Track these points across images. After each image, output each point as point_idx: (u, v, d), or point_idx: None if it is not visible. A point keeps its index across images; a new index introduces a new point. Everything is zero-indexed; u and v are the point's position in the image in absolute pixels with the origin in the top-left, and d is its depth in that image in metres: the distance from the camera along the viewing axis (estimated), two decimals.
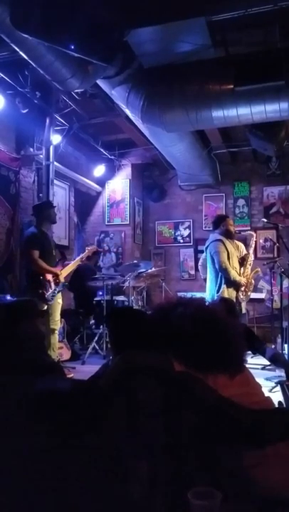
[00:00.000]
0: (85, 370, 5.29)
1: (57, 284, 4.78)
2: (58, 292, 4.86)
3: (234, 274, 4.89)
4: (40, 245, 4.77)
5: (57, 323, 4.94)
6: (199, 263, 6.52)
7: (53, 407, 1.11)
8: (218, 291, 4.85)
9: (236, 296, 4.97)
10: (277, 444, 1.18)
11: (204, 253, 6.43)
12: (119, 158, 8.18)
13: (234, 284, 4.92)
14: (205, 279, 6.29)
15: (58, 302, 4.94)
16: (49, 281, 4.73)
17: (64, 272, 4.93)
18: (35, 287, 4.71)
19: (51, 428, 1.06)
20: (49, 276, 4.74)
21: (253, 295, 5.69)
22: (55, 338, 4.96)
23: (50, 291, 4.72)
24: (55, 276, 4.76)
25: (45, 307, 4.73)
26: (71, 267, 5.12)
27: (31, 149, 6.25)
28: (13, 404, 1.13)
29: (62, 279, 4.83)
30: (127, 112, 5.51)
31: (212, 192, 8.48)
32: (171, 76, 4.96)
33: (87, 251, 5.55)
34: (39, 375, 1.26)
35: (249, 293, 5.15)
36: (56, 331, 4.95)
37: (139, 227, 8.78)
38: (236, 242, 5.31)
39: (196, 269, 7.73)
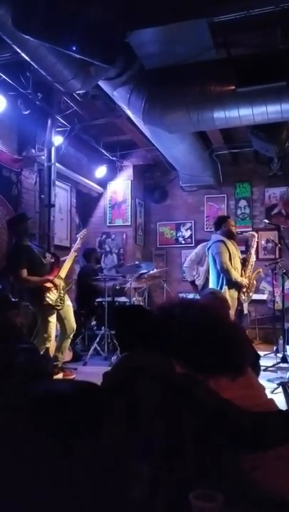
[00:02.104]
0: (87, 371, 5.29)
1: (57, 287, 4.66)
2: (65, 294, 4.79)
3: (235, 275, 4.88)
4: (26, 260, 4.56)
5: (72, 325, 4.89)
6: (186, 264, 6.52)
7: (54, 408, 1.11)
8: None
9: (238, 297, 4.96)
10: (279, 447, 1.18)
11: (192, 254, 6.44)
12: (120, 159, 8.19)
13: (236, 285, 4.91)
14: (192, 282, 6.30)
15: (68, 305, 4.89)
16: (49, 289, 4.60)
17: (62, 273, 4.81)
18: (39, 301, 4.58)
19: (52, 429, 1.06)
20: (47, 285, 4.60)
21: (255, 296, 5.68)
22: (67, 342, 4.94)
23: (55, 297, 4.61)
24: (52, 282, 4.62)
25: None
26: (68, 263, 4.96)
27: (33, 150, 6.25)
28: (12, 405, 1.13)
29: (58, 282, 4.69)
30: (129, 113, 5.51)
31: (214, 193, 8.48)
32: (173, 77, 4.96)
33: (79, 239, 5.34)
34: (11, 368, 1.26)
35: (251, 294, 5.14)
36: (71, 336, 4.93)
37: (141, 228, 8.78)
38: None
39: None
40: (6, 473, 1.07)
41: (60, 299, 4.67)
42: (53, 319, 4.64)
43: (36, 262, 4.65)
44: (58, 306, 4.65)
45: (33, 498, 1.03)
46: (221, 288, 4.87)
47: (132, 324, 1.60)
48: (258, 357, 3.50)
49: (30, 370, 1.49)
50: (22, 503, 1.04)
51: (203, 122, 5.18)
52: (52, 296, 4.59)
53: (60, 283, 4.72)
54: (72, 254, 5.12)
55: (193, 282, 6.28)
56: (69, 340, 4.96)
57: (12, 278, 5.01)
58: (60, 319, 4.81)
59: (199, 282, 6.12)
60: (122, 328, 1.69)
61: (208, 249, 5.15)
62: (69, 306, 4.92)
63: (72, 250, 5.22)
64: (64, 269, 4.89)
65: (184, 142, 6.43)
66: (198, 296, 5.38)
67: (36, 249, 4.79)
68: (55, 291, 4.63)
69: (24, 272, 4.51)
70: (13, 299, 4.34)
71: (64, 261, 5.00)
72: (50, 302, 4.57)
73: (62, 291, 4.71)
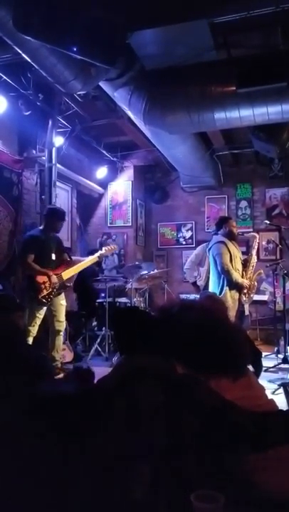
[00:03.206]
0: None
1: (52, 285, 4.69)
2: (58, 294, 4.81)
3: (236, 276, 4.88)
4: (36, 249, 4.73)
5: (61, 324, 4.92)
6: (186, 266, 6.52)
7: (55, 409, 1.11)
8: (220, 293, 4.84)
9: (239, 298, 4.96)
10: (280, 447, 1.18)
11: (192, 256, 6.44)
12: (121, 160, 8.19)
13: (237, 286, 4.90)
14: (193, 283, 6.30)
15: (61, 304, 4.91)
16: (43, 282, 4.65)
17: (66, 274, 4.86)
18: (29, 290, 4.70)
19: (52, 430, 1.06)
20: (42, 278, 4.66)
21: (256, 297, 5.68)
22: (60, 339, 4.94)
23: (45, 292, 4.65)
24: (48, 277, 4.67)
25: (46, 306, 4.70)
26: (82, 265, 5.05)
27: (34, 151, 6.26)
28: (13, 406, 1.13)
29: (54, 279, 4.70)
30: (129, 114, 5.51)
31: (214, 194, 8.48)
32: (174, 78, 4.97)
33: (105, 250, 5.41)
34: (15, 370, 1.26)
35: (252, 295, 5.14)
36: (61, 333, 4.93)
37: (142, 229, 8.78)
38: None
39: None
40: (7, 473, 1.06)
41: (49, 297, 4.69)
42: (39, 315, 4.68)
43: (44, 253, 4.77)
44: (44, 302, 4.67)
45: (33, 499, 1.03)
46: (222, 289, 4.87)
47: (130, 326, 1.60)
48: (260, 355, 3.50)
49: (34, 371, 1.49)
50: (23, 503, 1.04)
51: (204, 123, 5.18)
52: (43, 291, 4.65)
53: (56, 282, 4.73)
54: (92, 260, 5.20)
55: (194, 283, 6.28)
56: (61, 338, 4.95)
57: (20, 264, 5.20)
58: (51, 316, 4.84)
59: (201, 283, 6.12)
60: (120, 330, 1.69)
61: (209, 250, 5.14)
62: (62, 306, 4.93)
63: (93, 256, 5.27)
64: (72, 270, 4.95)
65: (185, 143, 6.43)
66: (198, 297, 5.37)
67: (54, 245, 4.91)
68: (48, 287, 4.66)
69: (30, 257, 4.69)
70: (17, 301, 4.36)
71: (75, 262, 5.05)
72: (39, 296, 4.62)
73: (54, 291, 4.72)
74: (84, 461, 1.04)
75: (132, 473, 1.05)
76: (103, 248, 5.52)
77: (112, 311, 6.02)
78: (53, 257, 4.87)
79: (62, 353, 5.39)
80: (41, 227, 5.03)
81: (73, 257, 5.37)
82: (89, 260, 5.21)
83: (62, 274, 4.83)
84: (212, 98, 4.90)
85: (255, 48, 4.83)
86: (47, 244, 4.86)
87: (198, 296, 5.87)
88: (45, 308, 4.74)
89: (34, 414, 1.09)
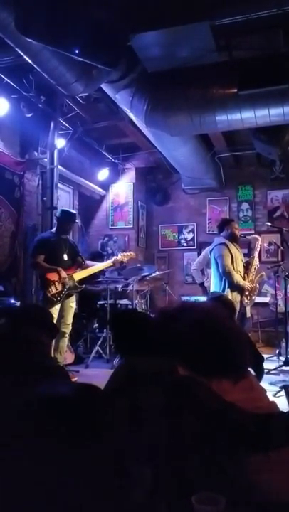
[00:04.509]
0: (89, 373, 5.28)
1: (63, 283, 4.71)
2: (68, 295, 4.80)
3: (238, 278, 4.87)
4: (46, 250, 4.78)
5: (68, 326, 4.93)
6: (194, 267, 6.51)
7: (56, 411, 1.10)
8: None
9: (240, 300, 4.95)
10: (281, 450, 1.18)
11: (199, 257, 6.44)
12: (123, 162, 8.20)
13: (238, 288, 4.90)
14: (200, 284, 6.29)
15: (71, 306, 4.93)
16: (54, 281, 4.68)
17: (78, 275, 4.87)
18: (41, 288, 4.78)
19: (52, 433, 1.06)
20: (53, 277, 4.68)
21: (258, 299, 5.67)
22: (64, 341, 4.94)
23: (55, 290, 4.67)
24: (59, 275, 4.69)
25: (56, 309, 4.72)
26: (95, 269, 5.09)
27: (36, 153, 6.27)
28: (15, 408, 1.13)
29: (64, 275, 4.71)
30: (131, 116, 5.52)
31: (216, 196, 8.48)
32: (175, 80, 4.97)
33: (121, 256, 5.38)
34: (41, 378, 1.26)
35: (253, 297, 5.13)
36: (66, 335, 4.94)
37: (143, 231, 8.78)
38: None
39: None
40: (7, 474, 1.06)
41: (59, 295, 4.69)
42: (53, 313, 4.67)
43: (55, 255, 4.81)
44: (53, 300, 4.66)
45: (33, 501, 1.03)
46: (223, 291, 4.86)
47: (128, 328, 1.60)
48: (262, 359, 3.49)
49: (41, 371, 1.49)
50: (23, 505, 1.04)
51: (206, 125, 5.19)
52: (52, 289, 4.66)
53: (65, 277, 4.74)
54: (106, 264, 5.25)
55: (202, 284, 6.28)
56: (65, 340, 4.96)
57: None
58: (58, 317, 4.83)
59: (208, 284, 6.12)
60: (118, 333, 1.69)
61: (211, 251, 5.14)
62: (71, 308, 4.93)
63: (108, 261, 5.31)
64: (84, 273, 4.96)
65: (186, 145, 6.44)
66: (200, 299, 5.37)
67: (66, 247, 4.92)
68: (58, 285, 4.68)
69: (40, 257, 4.74)
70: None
71: (89, 266, 5.08)
72: (48, 294, 4.64)
73: (65, 290, 4.73)
74: (84, 465, 1.04)
75: (132, 475, 1.05)
76: (119, 254, 5.49)
77: (111, 314, 6.02)
78: (65, 257, 4.89)
79: (64, 354, 5.39)
80: (53, 230, 5.09)
81: (88, 262, 5.36)
82: (103, 265, 5.27)
83: (74, 275, 4.85)
84: (214, 100, 4.91)
85: (257, 50, 4.84)
86: (58, 245, 4.88)
87: (204, 297, 5.88)
88: (57, 308, 4.74)
89: (34, 416, 1.09)
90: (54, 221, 5.42)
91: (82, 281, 4.97)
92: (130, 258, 5.55)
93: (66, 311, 4.86)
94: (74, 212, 5.32)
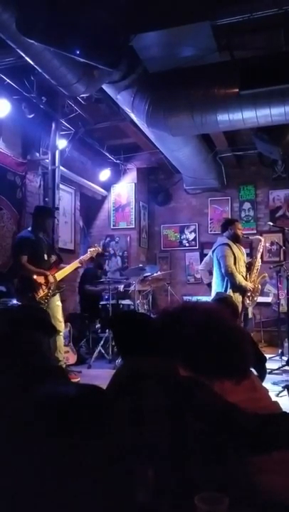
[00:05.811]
0: (91, 374, 5.29)
1: (49, 286, 4.72)
2: (54, 295, 4.82)
3: (240, 278, 4.87)
4: (29, 250, 4.72)
5: (60, 325, 4.93)
6: (201, 267, 6.50)
7: (58, 411, 1.10)
8: None
9: (242, 300, 4.94)
10: (284, 450, 1.17)
11: (206, 257, 6.43)
12: (124, 162, 8.20)
13: (240, 289, 4.89)
14: (208, 285, 6.28)
15: (57, 304, 4.91)
16: (40, 283, 4.67)
17: (59, 275, 4.87)
18: (26, 290, 4.69)
19: (55, 432, 1.06)
20: (40, 279, 4.68)
21: (260, 299, 5.66)
22: (60, 339, 4.94)
23: (42, 293, 4.67)
24: (46, 278, 4.69)
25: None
26: (68, 269, 5.03)
27: (37, 154, 6.28)
28: (16, 409, 1.13)
29: (52, 279, 4.73)
30: (132, 116, 5.52)
31: (218, 195, 8.47)
32: (177, 80, 4.97)
33: (89, 253, 5.43)
34: (42, 379, 1.25)
35: (255, 298, 5.12)
36: (61, 333, 4.94)
37: (145, 231, 8.78)
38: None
39: None
40: (7, 474, 1.06)
41: (46, 298, 4.70)
42: None
43: (37, 254, 4.76)
44: (41, 303, 4.66)
45: (34, 501, 1.03)
46: (226, 291, 4.86)
47: (128, 329, 1.60)
48: (264, 359, 3.48)
49: (42, 371, 1.49)
50: (23, 505, 1.04)
51: (207, 125, 5.18)
52: (40, 293, 4.66)
53: (53, 281, 4.75)
54: (75, 263, 5.17)
55: (209, 284, 6.27)
56: (61, 338, 4.94)
57: (14, 265, 5.17)
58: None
59: None
60: (118, 334, 1.68)
61: (213, 251, 5.14)
62: (58, 306, 4.93)
63: (77, 260, 5.27)
64: (63, 272, 4.95)
65: (188, 145, 6.43)
66: (202, 299, 5.36)
67: (45, 245, 4.90)
68: (44, 288, 4.68)
69: (24, 258, 4.67)
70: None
71: (64, 267, 5.04)
72: (37, 297, 4.62)
73: (50, 291, 4.74)
74: (86, 465, 1.04)
75: (135, 475, 1.05)
76: (88, 250, 5.52)
77: (111, 314, 6.02)
78: (46, 257, 4.87)
79: (66, 355, 5.40)
80: (29, 228, 4.96)
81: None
82: (72, 265, 5.13)
83: (56, 274, 4.85)
84: (215, 100, 4.90)
85: (258, 49, 4.84)
86: (38, 245, 4.84)
87: (209, 297, 5.87)
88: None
89: (36, 416, 1.09)
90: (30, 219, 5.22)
91: (62, 280, 4.99)
92: (96, 251, 5.54)
93: (54, 310, 4.85)
94: (49, 207, 5.28)
